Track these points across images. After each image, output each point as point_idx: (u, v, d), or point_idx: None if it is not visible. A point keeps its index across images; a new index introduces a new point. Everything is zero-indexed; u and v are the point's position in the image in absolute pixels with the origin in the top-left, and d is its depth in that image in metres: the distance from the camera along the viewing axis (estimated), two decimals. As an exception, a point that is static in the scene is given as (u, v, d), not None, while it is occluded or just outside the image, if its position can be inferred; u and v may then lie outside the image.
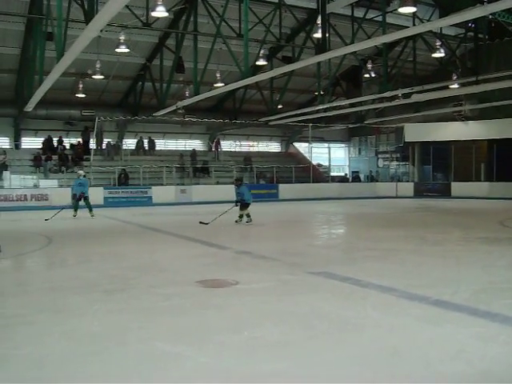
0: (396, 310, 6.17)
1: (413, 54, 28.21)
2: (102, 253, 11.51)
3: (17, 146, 33.84)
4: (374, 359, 4.56)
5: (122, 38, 22.14)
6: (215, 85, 27.26)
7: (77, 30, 16.94)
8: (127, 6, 16.48)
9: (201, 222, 16.55)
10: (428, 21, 24.01)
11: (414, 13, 21.89)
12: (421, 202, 29.44)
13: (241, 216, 17.09)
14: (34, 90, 22.97)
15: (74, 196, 20.79)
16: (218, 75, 27.41)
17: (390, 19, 23.82)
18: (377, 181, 39.29)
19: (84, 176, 21.21)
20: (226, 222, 16.60)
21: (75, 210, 20.34)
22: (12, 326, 5.78)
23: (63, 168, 31.42)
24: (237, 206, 17.14)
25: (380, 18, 22.82)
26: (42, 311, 6.37)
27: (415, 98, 27.28)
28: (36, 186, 28.86)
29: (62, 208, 19.62)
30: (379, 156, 41.98)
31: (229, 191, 32.30)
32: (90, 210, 20.33)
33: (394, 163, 40.95)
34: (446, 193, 33.86)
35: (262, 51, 24.85)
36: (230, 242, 13.01)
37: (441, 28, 25.89)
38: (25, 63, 26.74)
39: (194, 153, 36.07)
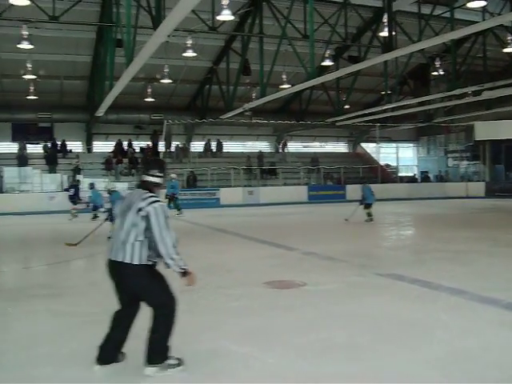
0: (467, 312, 6.05)
1: (483, 49, 27.46)
2: (170, 254, 11.69)
3: (89, 150, 34.86)
4: (445, 363, 4.49)
5: (189, 42, 22.42)
6: (281, 86, 27.28)
7: (145, 35, 17.27)
8: (193, 11, 16.68)
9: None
10: (499, 14, 23.31)
11: (483, 7, 21.29)
12: (492, 203, 28.61)
13: (368, 214, 17.64)
14: (104, 96, 23.58)
15: (166, 196, 22.52)
16: (284, 77, 27.42)
17: (458, 15, 23.25)
18: (446, 181, 38.43)
19: (175, 179, 23.93)
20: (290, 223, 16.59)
21: (178, 210, 23.27)
22: (85, 323, 5.98)
23: (133, 171, 32.16)
24: (361, 205, 17.90)
25: (448, 14, 22.31)
26: (113, 310, 6.53)
27: (486, 94, 26.55)
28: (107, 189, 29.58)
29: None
30: (449, 155, 41.06)
31: (296, 192, 32.51)
32: (179, 209, 23.18)
33: (464, 162, 39.95)
34: (519, 193, 32.81)
35: (327, 51, 24.71)
36: (297, 243, 13.00)
37: (512, 21, 25.13)
38: (96, 70, 27.50)
39: (260, 154, 36.19)
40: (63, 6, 19.73)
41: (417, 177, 41.50)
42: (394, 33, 21.12)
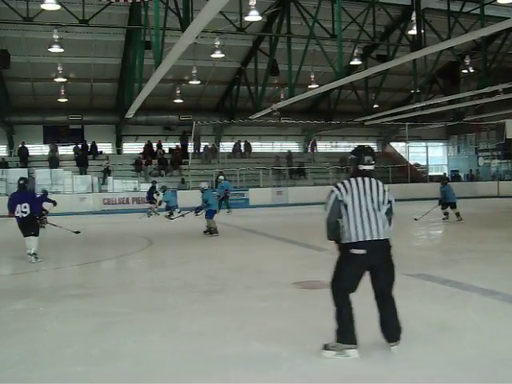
0: (499, 314, 5.97)
1: (514, 46, 27.12)
2: (199, 254, 11.79)
3: (119, 152, 35.20)
4: (475, 365, 4.44)
5: (217, 43, 22.54)
6: (310, 86, 27.26)
7: (173, 37, 17.40)
8: (221, 12, 16.73)
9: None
10: (530, 11, 22.97)
11: (514, 2, 21.01)
12: (525, 202, 28.18)
13: (457, 214, 17.42)
14: (134, 98, 23.81)
15: (218, 197, 22.90)
16: (312, 76, 27.39)
17: (488, 11, 22.96)
18: (477, 180, 37.96)
19: (225, 179, 25.27)
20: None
21: (228, 208, 24.90)
22: (114, 324, 6.03)
23: (162, 172, 32.41)
24: (440, 205, 17.85)
25: (478, 11, 22.06)
26: (142, 310, 6.60)
27: (517, 92, 26.18)
28: (137, 190, 29.88)
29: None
30: (479, 154, 40.57)
31: (325, 192, 32.27)
32: (229, 208, 24.77)
33: (496, 161, 39.44)
34: (553, 192, 32.24)
35: (355, 51, 24.63)
36: (326, 243, 12.91)
37: (545, 18, 24.72)
38: (125, 72, 27.78)
39: (289, 155, 36.18)
40: (92, 9, 19.97)
41: (447, 176, 41.04)
42: (422, 31, 20.95)
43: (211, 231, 15.37)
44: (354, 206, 4.83)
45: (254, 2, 17.83)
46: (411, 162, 39.14)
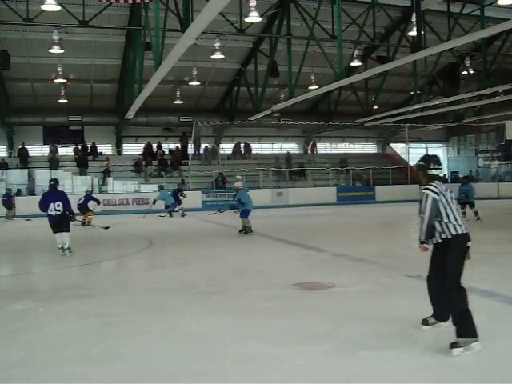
0: (500, 315, 5.97)
1: (514, 47, 27.14)
2: (199, 255, 11.79)
3: (119, 153, 35.19)
4: (475, 366, 4.44)
5: (217, 44, 22.54)
6: (310, 87, 27.25)
7: (173, 38, 17.40)
8: (221, 13, 16.72)
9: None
10: (531, 12, 22.98)
11: (514, 4, 21.02)
12: (525, 203, 28.16)
13: (476, 213, 17.62)
14: (134, 98, 23.80)
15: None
16: (312, 78, 27.39)
17: (488, 12, 22.99)
18: (477, 181, 37.91)
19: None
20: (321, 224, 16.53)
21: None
22: (114, 324, 6.04)
23: (162, 173, 32.39)
24: (459, 203, 17.62)
25: (478, 12, 22.08)
26: (142, 311, 6.60)
27: (517, 93, 26.18)
28: (137, 191, 29.90)
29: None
30: (479, 155, 40.54)
31: (325, 193, 32.38)
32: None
33: (496, 162, 39.40)
34: (552, 193, 32.22)
35: (356, 52, 24.64)
36: (326, 244, 12.96)
37: (545, 19, 24.73)
38: (125, 73, 27.76)
39: (288, 156, 36.17)
40: (93, 10, 19.96)
41: (447, 177, 41.03)
42: (422, 32, 20.94)
43: (246, 230, 15.52)
44: (449, 203, 5.23)
45: (254, 3, 17.82)
46: (411, 163, 39.10)
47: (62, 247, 11.74)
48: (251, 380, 4.28)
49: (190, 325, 5.89)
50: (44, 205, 11.86)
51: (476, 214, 17.47)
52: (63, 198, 11.98)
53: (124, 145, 35.86)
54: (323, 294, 7.26)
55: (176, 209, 23.72)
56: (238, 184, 16.32)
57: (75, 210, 15.32)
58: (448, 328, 5.15)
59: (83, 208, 19.90)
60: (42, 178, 29.36)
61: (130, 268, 10.90)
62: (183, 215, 23.81)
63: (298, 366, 4.54)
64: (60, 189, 13.60)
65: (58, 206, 11.67)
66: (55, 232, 11.86)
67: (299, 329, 5.63)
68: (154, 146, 34.53)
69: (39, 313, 6.73)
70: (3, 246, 15.01)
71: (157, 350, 5.01)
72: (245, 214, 15.64)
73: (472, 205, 17.70)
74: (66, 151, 34.07)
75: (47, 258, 12.01)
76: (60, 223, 11.78)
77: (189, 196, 25.61)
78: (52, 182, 12.33)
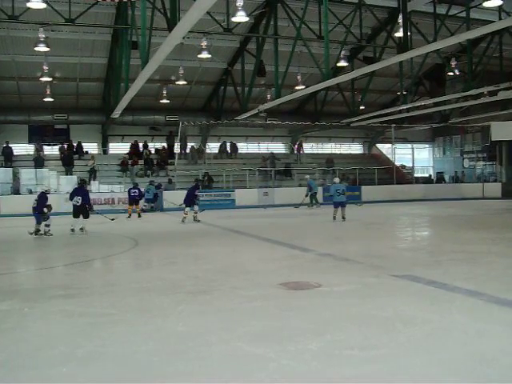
0: (484, 315, 5.99)
1: (499, 49, 27.30)
2: (186, 255, 11.77)
3: (104, 152, 35.08)
4: (460, 365, 4.46)
5: (204, 44, 22.53)
6: (296, 87, 27.32)
7: (160, 37, 17.39)
8: (208, 13, 16.71)
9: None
10: (515, 14, 23.15)
11: (499, 6, 21.16)
12: (509, 204, 28.35)
13: None
14: (120, 97, 23.74)
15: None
16: (299, 78, 27.45)
17: (474, 14, 23.18)
18: (462, 182, 38.20)
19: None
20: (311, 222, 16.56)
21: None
22: (100, 324, 6.00)
23: (149, 172, 32.30)
24: None
25: (464, 14, 22.23)
26: (128, 311, 6.57)
27: (502, 95, 26.36)
28: (123, 190, 29.75)
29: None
30: (465, 156, 40.83)
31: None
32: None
33: (481, 163, 39.70)
34: (536, 193, 32.48)
35: (342, 52, 24.72)
36: (312, 244, 12.98)
37: (529, 21, 24.90)
38: (111, 72, 27.69)
39: (272, 156, 36.07)
40: (79, 8, 19.90)
41: (432, 178, 41.29)
42: (409, 33, 21.07)
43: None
44: None
45: (241, 3, 17.84)
46: (397, 163, 39.32)
47: (73, 229, 16.27)
48: (238, 380, 4.27)
49: (177, 324, 5.87)
50: (71, 196, 16.55)
51: None
52: (84, 193, 16.40)
53: (110, 144, 35.79)
54: (309, 294, 7.27)
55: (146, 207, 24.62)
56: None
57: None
58: (434, 326, 5.16)
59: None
60: (28, 177, 29.21)
61: (116, 268, 10.84)
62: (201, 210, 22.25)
63: (284, 365, 4.53)
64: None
65: (79, 199, 16.13)
66: (75, 217, 16.33)
67: (285, 328, 5.63)
68: (140, 145, 34.43)
69: (24, 313, 6.67)
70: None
71: (143, 350, 4.99)
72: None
73: None
74: (51, 150, 33.91)
75: (32, 258, 11.93)
76: (79, 211, 16.26)
77: (176, 195, 25.50)
78: (79, 181, 19.16)
